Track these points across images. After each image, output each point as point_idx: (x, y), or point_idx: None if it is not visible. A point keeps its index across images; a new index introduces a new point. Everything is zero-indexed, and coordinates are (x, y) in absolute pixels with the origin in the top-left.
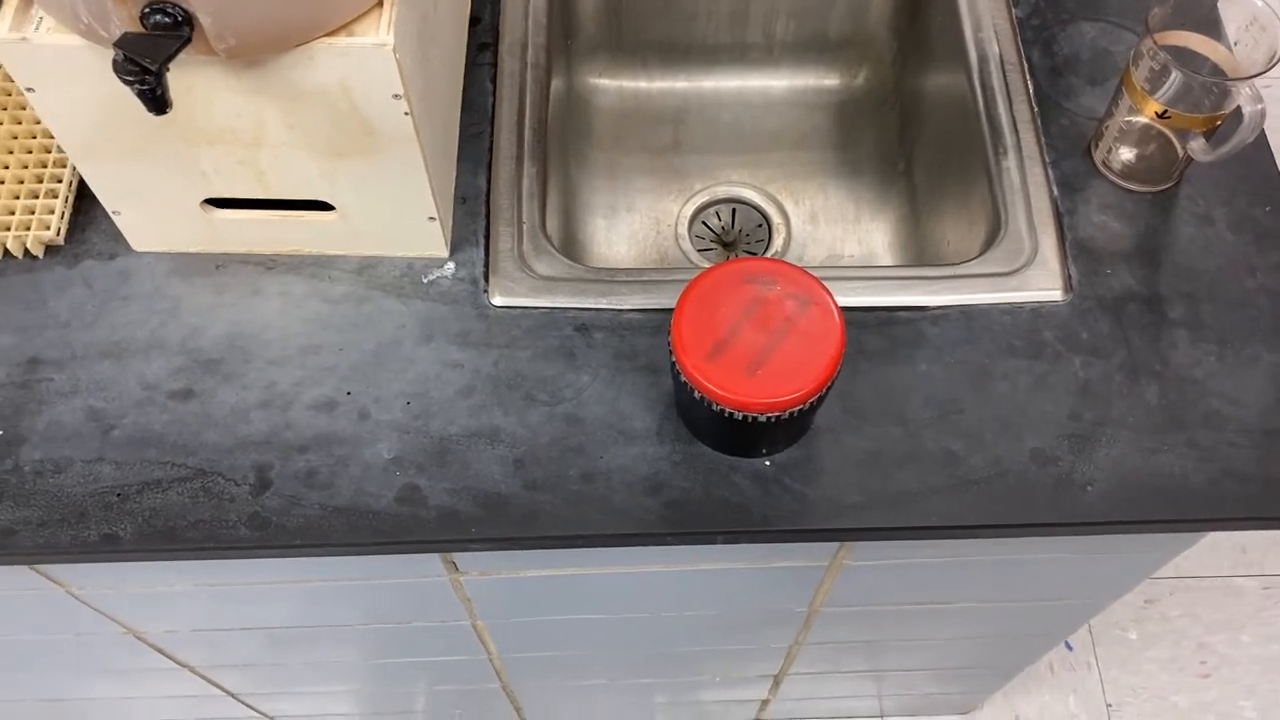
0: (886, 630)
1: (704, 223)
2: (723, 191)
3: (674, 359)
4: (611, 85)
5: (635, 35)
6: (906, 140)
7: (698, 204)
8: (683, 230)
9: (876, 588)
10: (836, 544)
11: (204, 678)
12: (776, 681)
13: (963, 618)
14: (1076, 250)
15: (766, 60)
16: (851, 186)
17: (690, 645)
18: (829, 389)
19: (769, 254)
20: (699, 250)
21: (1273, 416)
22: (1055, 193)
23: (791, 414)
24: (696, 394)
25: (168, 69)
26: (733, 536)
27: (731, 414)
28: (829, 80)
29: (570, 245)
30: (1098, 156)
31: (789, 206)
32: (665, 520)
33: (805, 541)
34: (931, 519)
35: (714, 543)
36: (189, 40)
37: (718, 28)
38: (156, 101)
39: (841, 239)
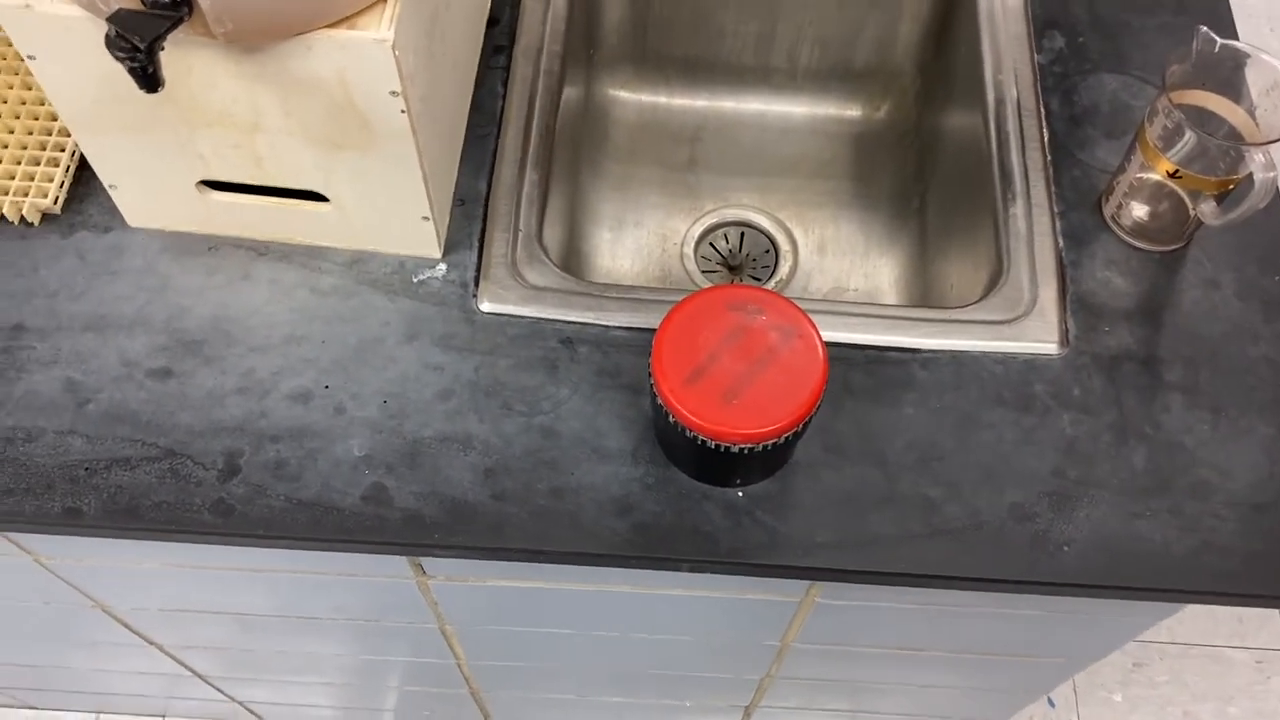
0: (860, 671)
1: (711, 244)
2: (733, 214)
3: (652, 381)
4: (631, 98)
5: (660, 50)
6: (923, 178)
7: (707, 224)
8: (689, 249)
9: (849, 628)
10: (807, 582)
11: (173, 658)
12: (748, 713)
13: (938, 666)
14: (1077, 304)
15: (789, 85)
16: (863, 219)
17: (661, 668)
18: (806, 425)
19: (773, 281)
20: (703, 271)
21: (1262, 490)
22: (1060, 244)
23: (766, 447)
24: (672, 418)
25: (161, 48)
26: (699, 566)
27: (705, 442)
28: (850, 111)
29: (573, 255)
30: (1107, 211)
31: (798, 234)
32: (632, 543)
33: (773, 577)
34: (903, 566)
35: (679, 570)
36: (181, 21)
37: (744, 48)
38: (148, 80)
39: (848, 272)
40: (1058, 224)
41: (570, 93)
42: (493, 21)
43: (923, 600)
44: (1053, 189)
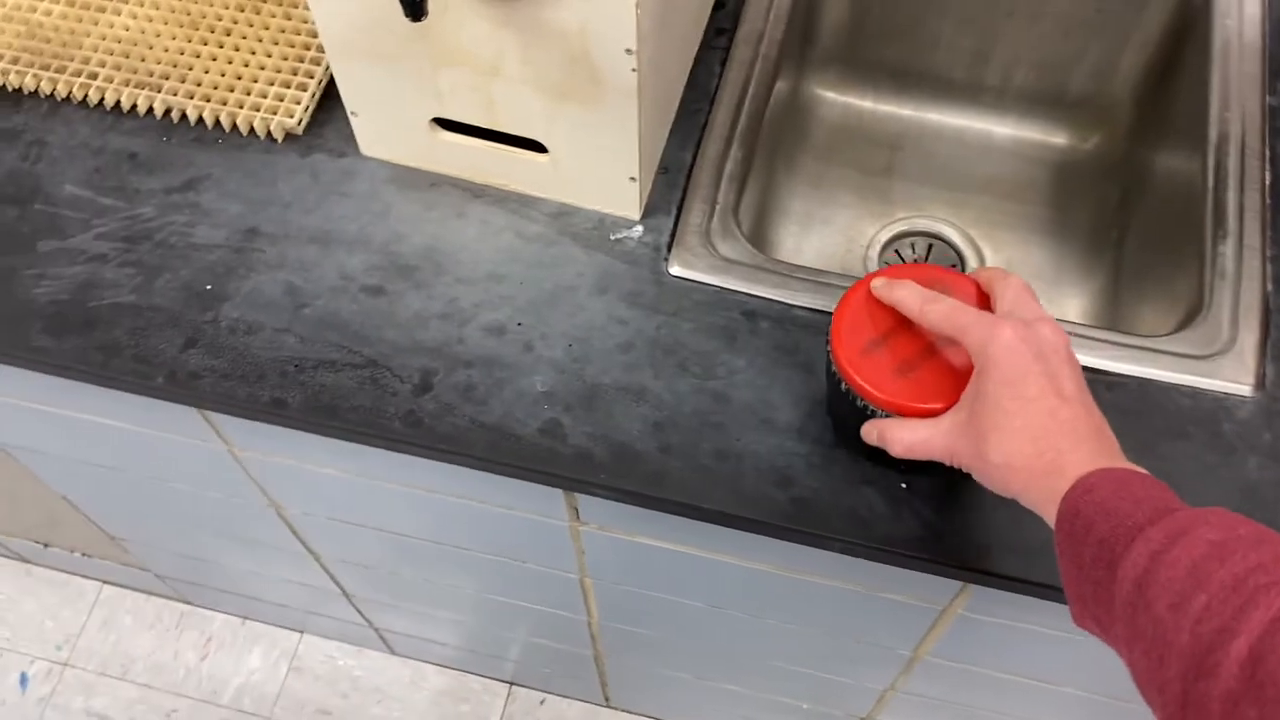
0: (986, 698)
1: (897, 251)
2: (923, 225)
3: (829, 348)
4: (837, 99)
5: (871, 55)
6: (1125, 212)
7: (895, 231)
8: (874, 254)
9: (987, 646)
10: (955, 585)
11: (326, 570)
12: None
13: (1069, 706)
14: (1278, 350)
15: (997, 104)
16: (1056, 248)
17: (784, 661)
18: None
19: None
20: None
21: None
22: (1269, 288)
23: None
24: (844, 386)
25: None
26: (849, 547)
27: (875, 412)
28: (1056, 138)
29: (758, 243)
30: None
31: (987, 252)
32: (787, 515)
33: (924, 571)
34: (1059, 579)
35: (830, 548)
36: None
37: (955, 62)
38: (414, 7)
39: None
40: (1269, 268)
41: (780, 85)
42: (719, 4)
43: (1066, 625)
44: (1268, 233)
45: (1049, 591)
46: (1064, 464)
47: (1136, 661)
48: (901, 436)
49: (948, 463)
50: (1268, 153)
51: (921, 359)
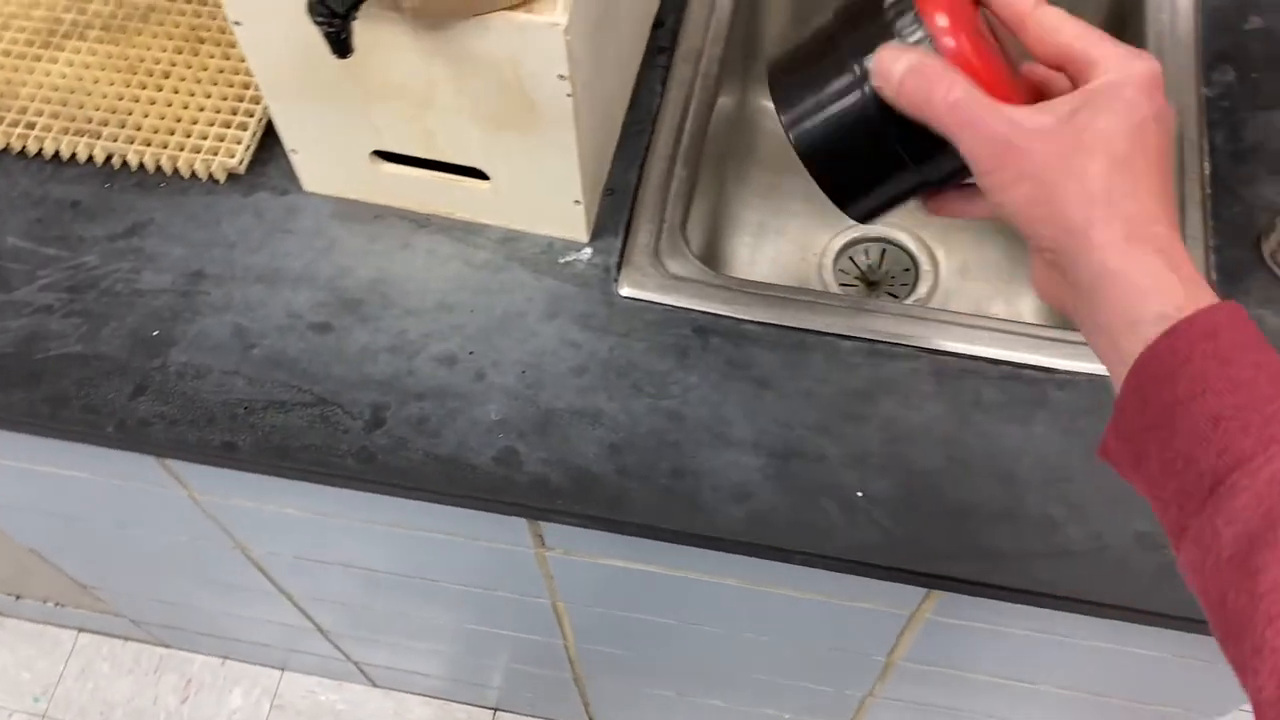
0: (966, 700)
1: (851, 258)
2: (876, 230)
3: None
4: None
5: None
6: None
7: (849, 238)
8: (828, 261)
9: (958, 649)
10: (921, 591)
11: (299, 608)
12: None
13: (1048, 703)
14: None
15: None
16: (1009, 247)
17: (763, 673)
18: None
19: (911, 299)
20: (840, 285)
21: None
22: (1213, 277)
23: None
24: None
25: (355, 16)
26: (810, 560)
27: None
28: None
29: (713, 258)
30: (1266, 249)
31: (940, 255)
32: (746, 530)
33: (885, 579)
34: (1021, 582)
35: (791, 561)
36: None
37: None
38: (340, 45)
39: (990, 297)
40: (1212, 258)
41: (724, 100)
42: (658, 23)
43: (1036, 625)
44: (1209, 224)
45: (1013, 594)
46: (1180, 262)
47: (1200, 598)
48: (982, 115)
49: (991, 181)
50: (1205, 144)
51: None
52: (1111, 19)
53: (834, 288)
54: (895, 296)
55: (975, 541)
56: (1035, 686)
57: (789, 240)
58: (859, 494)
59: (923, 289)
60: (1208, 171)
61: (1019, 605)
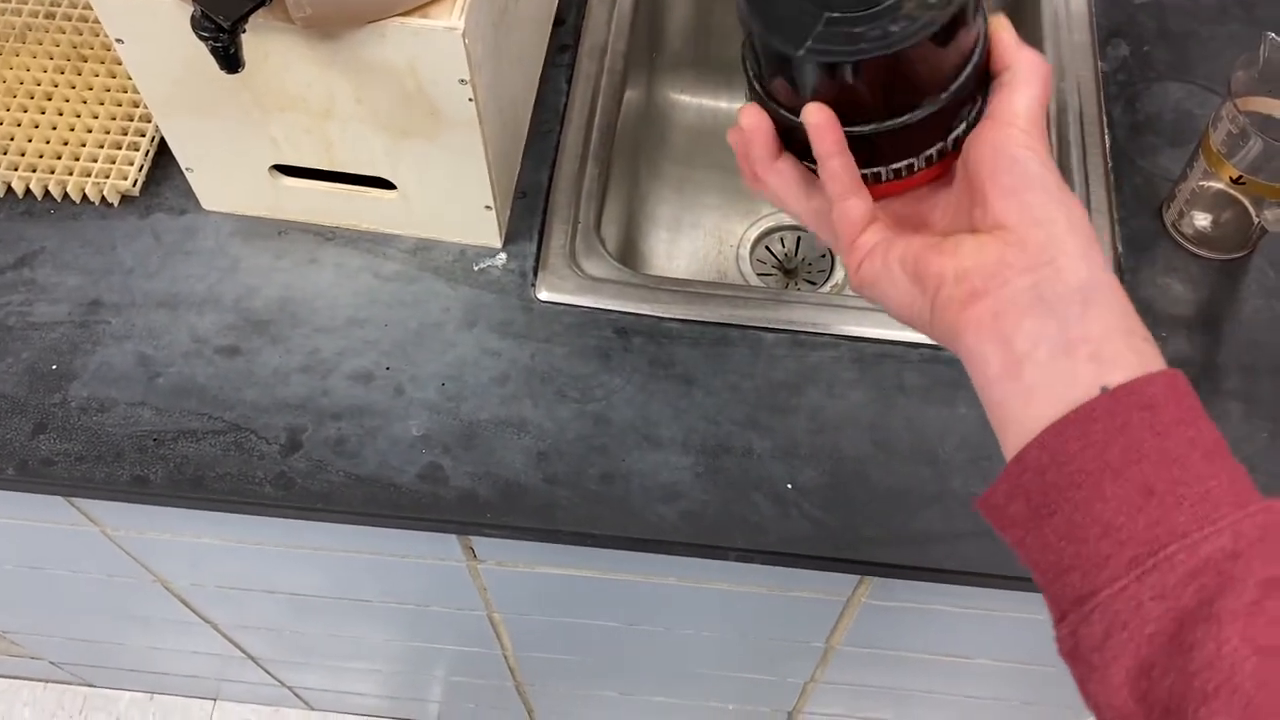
0: (907, 679)
1: (767, 247)
2: (790, 219)
3: None
4: (692, 102)
5: (721, 54)
6: None
7: (763, 228)
8: (745, 252)
9: (895, 631)
10: (855, 578)
11: (227, 638)
12: (791, 719)
13: (986, 676)
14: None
15: None
16: None
17: (705, 667)
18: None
19: (828, 286)
20: (759, 275)
21: None
22: (1119, 249)
23: None
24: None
25: (243, 29)
26: (746, 555)
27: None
28: None
29: (630, 255)
30: (1168, 218)
31: None
32: (680, 530)
33: (819, 570)
34: (950, 563)
35: (727, 559)
36: (264, 3)
37: None
38: (229, 60)
39: None
40: (1118, 230)
41: (632, 94)
42: (559, 21)
43: (968, 603)
44: (1113, 196)
45: (944, 575)
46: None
47: (1082, 669)
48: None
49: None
50: (1105, 119)
51: None
52: (1006, 1)
53: (753, 278)
54: (813, 283)
55: (905, 525)
56: (971, 660)
57: (705, 233)
58: (789, 486)
59: (839, 274)
60: (1109, 144)
61: (950, 585)
